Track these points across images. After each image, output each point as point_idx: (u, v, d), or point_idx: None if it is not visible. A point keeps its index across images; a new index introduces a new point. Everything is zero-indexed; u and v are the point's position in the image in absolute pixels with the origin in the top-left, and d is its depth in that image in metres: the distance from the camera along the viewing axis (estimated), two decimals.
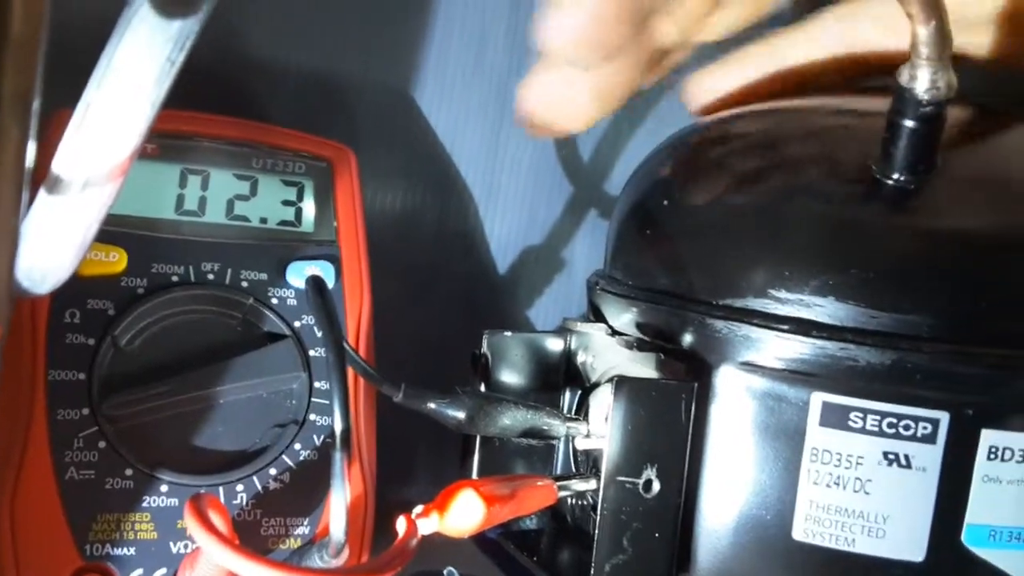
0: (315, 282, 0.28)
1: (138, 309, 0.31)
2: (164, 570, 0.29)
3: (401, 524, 0.25)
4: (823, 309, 0.26)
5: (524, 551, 0.32)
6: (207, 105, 0.34)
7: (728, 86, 0.34)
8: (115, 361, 0.31)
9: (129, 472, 0.30)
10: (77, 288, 0.30)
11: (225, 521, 0.24)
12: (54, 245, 0.19)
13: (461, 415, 0.29)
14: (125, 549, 0.29)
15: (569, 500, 0.32)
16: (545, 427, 0.30)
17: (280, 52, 0.40)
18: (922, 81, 0.24)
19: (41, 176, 0.18)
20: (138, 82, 0.17)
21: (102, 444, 0.30)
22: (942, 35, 0.23)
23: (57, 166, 0.18)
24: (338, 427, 0.24)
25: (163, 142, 0.33)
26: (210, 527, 0.22)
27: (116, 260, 0.32)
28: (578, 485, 0.29)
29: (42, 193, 0.18)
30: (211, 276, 0.33)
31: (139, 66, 0.17)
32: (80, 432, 0.29)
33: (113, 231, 0.32)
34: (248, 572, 0.21)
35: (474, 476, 0.33)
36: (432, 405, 0.29)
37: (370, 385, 0.34)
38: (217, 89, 0.37)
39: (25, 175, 0.14)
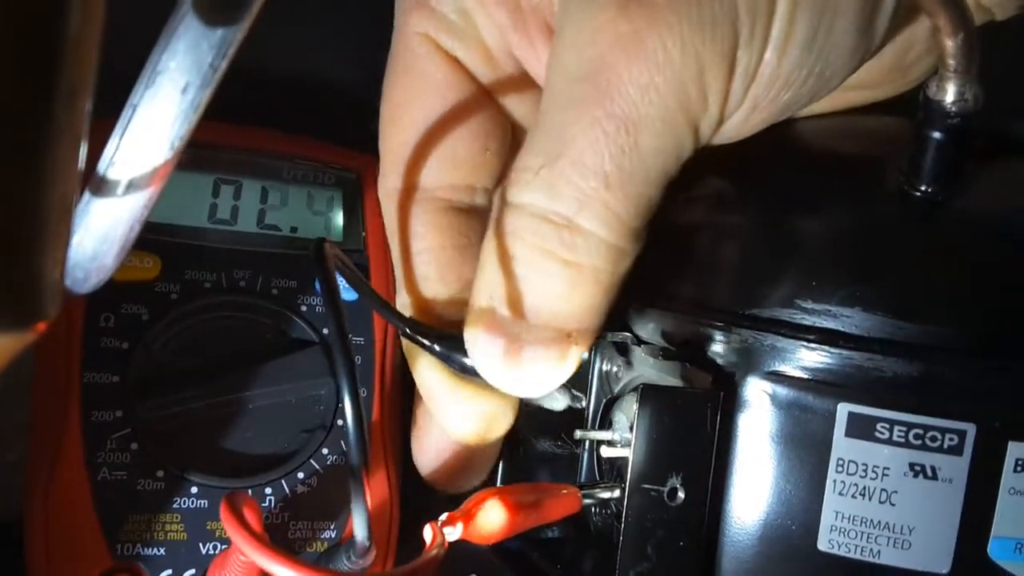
0: (318, 247, 0.26)
1: (171, 314, 0.32)
2: (193, 571, 0.30)
3: (428, 533, 0.26)
4: (850, 319, 0.26)
5: (547, 559, 0.32)
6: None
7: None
8: (148, 365, 0.31)
9: (160, 473, 0.30)
10: (112, 293, 0.30)
11: (258, 521, 0.24)
12: (97, 245, 0.20)
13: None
14: (155, 549, 0.29)
15: (592, 508, 0.32)
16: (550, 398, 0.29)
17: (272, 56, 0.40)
18: (950, 93, 0.25)
19: (86, 179, 0.18)
20: (182, 87, 0.18)
21: (134, 446, 0.30)
22: (970, 48, 0.24)
23: (101, 167, 0.19)
24: (350, 422, 0.23)
25: (197, 152, 0.34)
26: (245, 527, 0.22)
27: (150, 266, 0.32)
28: (602, 493, 0.29)
29: (86, 194, 0.19)
30: (242, 283, 0.33)
31: (183, 71, 0.17)
32: (113, 433, 0.30)
33: (148, 238, 0.32)
34: (280, 573, 0.22)
35: (499, 484, 0.33)
36: (444, 354, 0.28)
37: (396, 390, 0.35)
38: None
39: (78, 174, 0.14)
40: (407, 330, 0.28)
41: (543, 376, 0.26)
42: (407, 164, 0.29)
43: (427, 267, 0.29)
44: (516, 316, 0.25)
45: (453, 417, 0.29)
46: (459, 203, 0.29)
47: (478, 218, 0.29)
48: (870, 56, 0.26)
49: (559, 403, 0.29)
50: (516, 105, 0.30)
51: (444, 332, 0.28)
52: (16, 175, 0.13)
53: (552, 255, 0.24)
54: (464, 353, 0.27)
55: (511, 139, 0.30)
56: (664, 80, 0.23)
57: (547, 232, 0.24)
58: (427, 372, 0.29)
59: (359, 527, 0.24)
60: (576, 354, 0.26)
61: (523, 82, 0.29)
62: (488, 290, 0.26)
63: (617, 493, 0.29)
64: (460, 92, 0.28)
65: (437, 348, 0.27)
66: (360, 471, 0.23)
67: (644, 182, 0.24)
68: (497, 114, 0.29)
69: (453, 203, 0.29)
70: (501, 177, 0.30)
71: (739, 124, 0.25)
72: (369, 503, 0.23)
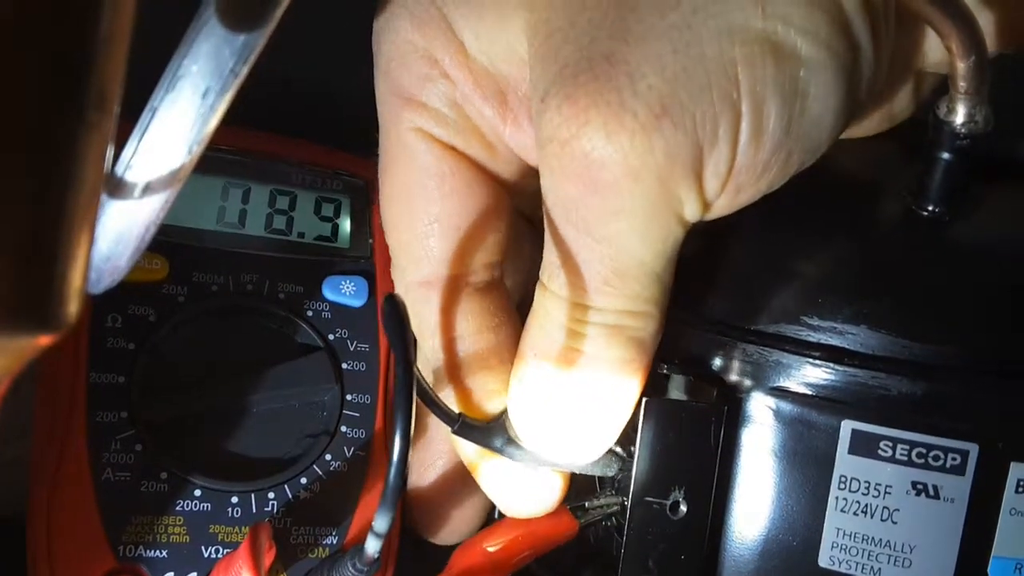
0: (392, 304, 0.25)
1: (178, 316, 0.32)
2: (195, 574, 0.29)
3: None
4: (855, 337, 0.26)
5: (545, 569, 0.32)
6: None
7: None
8: (154, 366, 0.31)
9: (164, 475, 0.30)
10: (119, 294, 0.30)
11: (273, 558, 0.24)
12: (111, 247, 0.20)
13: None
14: (157, 551, 0.29)
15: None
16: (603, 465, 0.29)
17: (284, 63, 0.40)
18: (960, 115, 0.25)
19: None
20: (202, 92, 0.18)
21: (139, 447, 0.30)
22: (981, 70, 0.24)
23: (119, 169, 0.19)
24: (396, 452, 0.23)
25: (206, 155, 0.34)
26: (257, 566, 0.22)
27: (158, 268, 0.32)
28: (602, 508, 0.29)
29: (103, 196, 0.19)
30: (249, 287, 0.33)
31: (204, 76, 0.18)
32: (118, 434, 0.30)
33: (156, 240, 0.32)
34: None
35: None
36: (497, 444, 0.28)
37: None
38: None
39: (104, 177, 0.14)
40: (456, 428, 0.28)
41: (591, 426, 0.27)
42: (427, 255, 0.29)
43: (466, 355, 0.29)
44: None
45: (514, 501, 0.29)
46: (481, 283, 0.30)
47: (500, 292, 0.30)
48: (858, 112, 0.26)
49: (611, 469, 0.29)
50: (519, 179, 0.30)
51: (494, 424, 0.28)
52: (45, 177, 0.13)
53: (584, 323, 0.26)
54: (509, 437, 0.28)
55: (515, 209, 0.31)
56: (629, 202, 0.24)
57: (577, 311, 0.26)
58: (488, 467, 0.29)
59: (372, 545, 0.24)
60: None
61: (522, 160, 0.29)
62: (533, 345, 0.27)
63: (616, 507, 0.29)
64: (465, 179, 0.29)
65: (497, 444, 0.28)
66: (393, 500, 0.23)
67: (642, 267, 0.25)
68: (502, 189, 0.30)
69: (477, 285, 0.30)
70: (512, 245, 0.31)
71: (727, 205, 0.25)
72: (386, 527, 0.23)
